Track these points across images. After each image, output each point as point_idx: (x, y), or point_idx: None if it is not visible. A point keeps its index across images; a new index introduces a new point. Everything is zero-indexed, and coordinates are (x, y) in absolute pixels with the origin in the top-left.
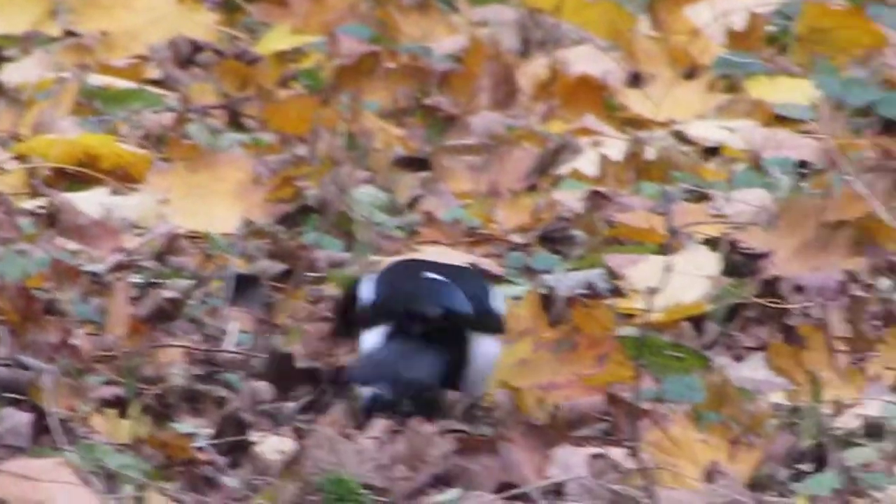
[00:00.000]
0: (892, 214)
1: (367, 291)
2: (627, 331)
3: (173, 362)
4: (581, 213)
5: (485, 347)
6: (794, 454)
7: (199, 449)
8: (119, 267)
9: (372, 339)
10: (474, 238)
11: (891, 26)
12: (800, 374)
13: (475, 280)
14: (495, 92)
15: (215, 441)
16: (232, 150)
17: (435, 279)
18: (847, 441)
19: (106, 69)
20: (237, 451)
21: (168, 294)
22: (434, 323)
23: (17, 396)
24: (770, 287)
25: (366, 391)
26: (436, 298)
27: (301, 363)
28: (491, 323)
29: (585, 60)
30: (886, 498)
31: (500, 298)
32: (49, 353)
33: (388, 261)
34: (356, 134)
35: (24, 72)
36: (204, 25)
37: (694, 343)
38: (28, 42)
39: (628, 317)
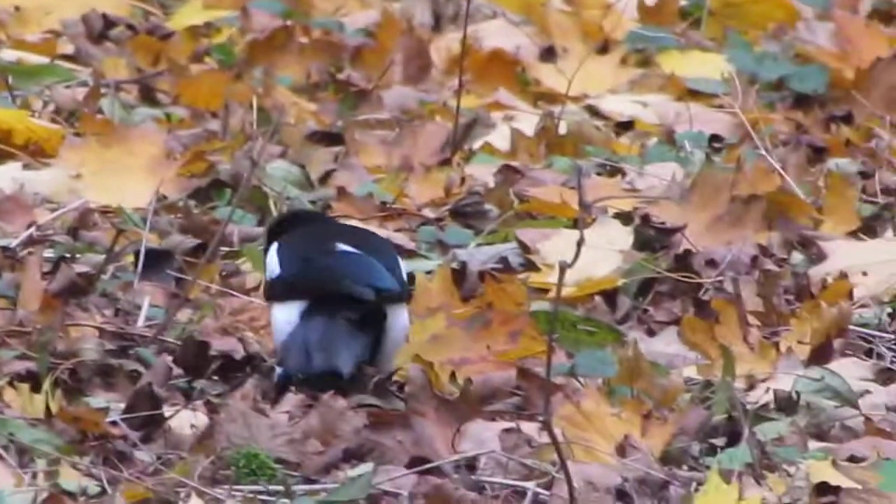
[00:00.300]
0: (804, 189)
1: (273, 263)
2: (540, 305)
3: (86, 337)
4: (493, 188)
5: (400, 320)
6: (707, 428)
7: (112, 423)
8: (31, 242)
9: (285, 314)
10: (387, 212)
11: (803, 1)
12: (712, 349)
13: (384, 248)
14: (408, 66)
15: (128, 415)
16: (144, 124)
17: (351, 253)
18: (760, 415)
19: (18, 44)
20: (150, 426)
21: (81, 269)
22: (367, 306)
23: None
24: (683, 261)
25: (279, 367)
26: (363, 278)
27: (216, 347)
28: (405, 294)
29: (498, 35)
30: (799, 472)
31: (403, 265)
32: None
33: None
34: (269, 108)
35: None
36: (116, 0)
37: (606, 317)
38: None
39: (541, 291)
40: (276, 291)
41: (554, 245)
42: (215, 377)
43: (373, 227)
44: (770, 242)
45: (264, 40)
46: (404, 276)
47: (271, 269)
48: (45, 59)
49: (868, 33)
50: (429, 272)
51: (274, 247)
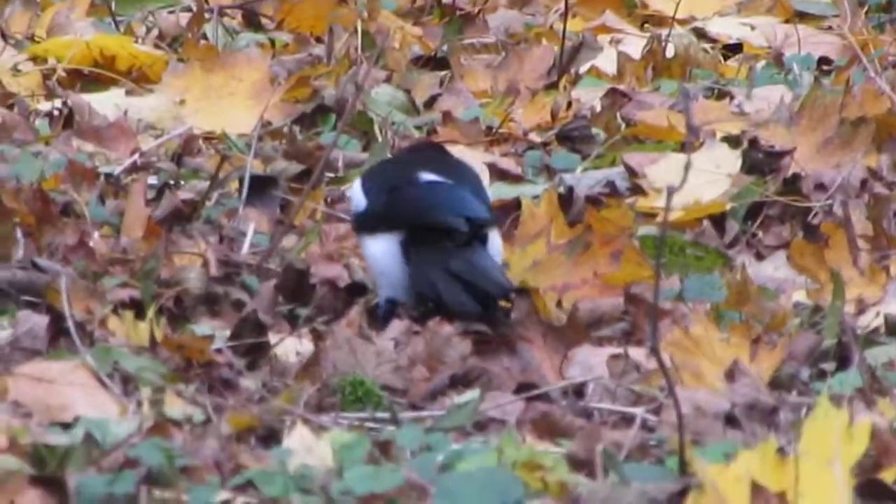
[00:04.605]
0: None
1: (359, 195)
2: (647, 230)
3: (190, 264)
4: (600, 112)
5: (496, 243)
6: (817, 353)
7: (217, 351)
8: (135, 168)
9: (381, 246)
10: (492, 137)
11: None
12: (822, 273)
13: (467, 174)
14: None
15: (233, 343)
16: (248, 50)
17: (437, 183)
18: (870, 340)
19: None
20: (255, 353)
21: (185, 196)
22: (466, 235)
23: (34, 299)
24: (791, 185)
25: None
26: (454, 208)
27: (316, 274)
28: (495, 218)
29: None
30: None
31: (487, 188)
32: (65, 255)
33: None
34: (373, 33)
35: None
36: None
37: (715, 242)
38: None
39: (648, 216)
40: (367, 223)
41: (661, 169)
42: (320, 304)
43: (479, 152)
44: (880, 165)
45: None
46: (489, 200)
47: (357, 203)
48: None
49: None
50: (535, 197)
51: (357, 181)
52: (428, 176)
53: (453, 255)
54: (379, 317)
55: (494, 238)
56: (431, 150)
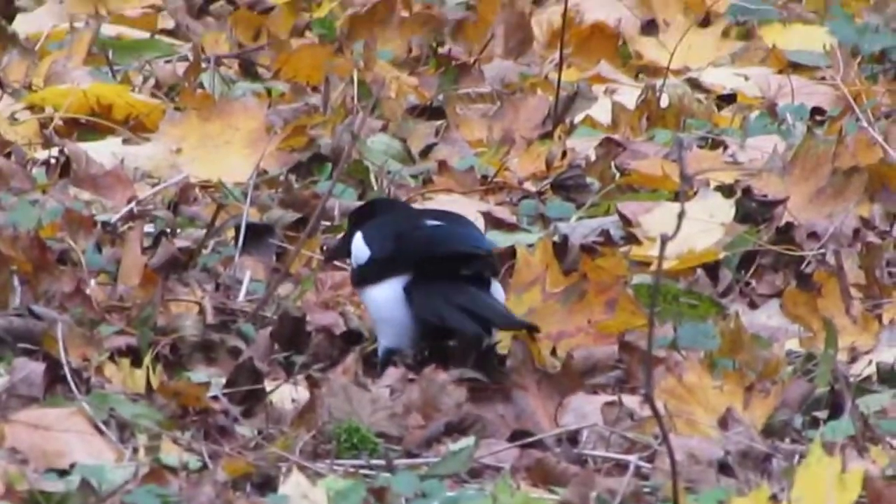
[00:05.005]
0: None
1: (361, 248)
2: (641, 278)
3: (187, 312)
4: (594, 161)
5: (499, 291)
6: (809, 401)
7: (213, 398)
8: (132, 217)
9: (385, 292)
10: (488, 186)
11: None
12: (815, 321)
13: (469, 223)
14: (509, 40)
15: (229, 390)
16: (245, 99)
17: (441, 225)
18: (862, 388)
19: (119, 19)
20: (251, 400)
21: (181, 244)
22: (477, 266)
23: (31, 346)
24: (784, 234)
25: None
26: (464, 241)
27: (312, 322)
28: (499, 266)
29: (599, 8)
30: None
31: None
32: (62, 302)
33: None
34: (369, 83)
35: (36, 22)
36: None
37: (708, 290)
38: None
39: (643, 264)
40: (370, 273)
41: (655, 218)
42: (315, 352)
43: (474, 201)
44: (872, 214)
45: (365, 14)
46: (492, 243)
47: (360, 255)
48: (145, 34)
49: None
50: (530, 245)
51: (358, 234)
52: (432, 222)
53: (457, 290)
54: (377, 365)
55: (497, 286)
56: (400, 204)
